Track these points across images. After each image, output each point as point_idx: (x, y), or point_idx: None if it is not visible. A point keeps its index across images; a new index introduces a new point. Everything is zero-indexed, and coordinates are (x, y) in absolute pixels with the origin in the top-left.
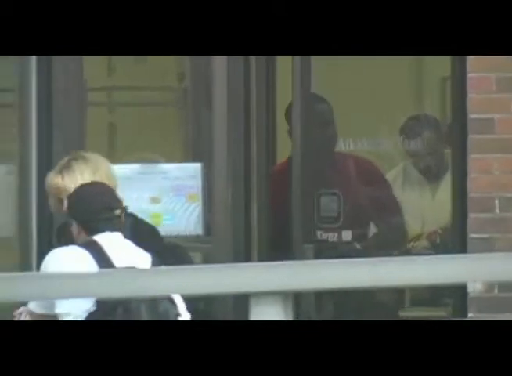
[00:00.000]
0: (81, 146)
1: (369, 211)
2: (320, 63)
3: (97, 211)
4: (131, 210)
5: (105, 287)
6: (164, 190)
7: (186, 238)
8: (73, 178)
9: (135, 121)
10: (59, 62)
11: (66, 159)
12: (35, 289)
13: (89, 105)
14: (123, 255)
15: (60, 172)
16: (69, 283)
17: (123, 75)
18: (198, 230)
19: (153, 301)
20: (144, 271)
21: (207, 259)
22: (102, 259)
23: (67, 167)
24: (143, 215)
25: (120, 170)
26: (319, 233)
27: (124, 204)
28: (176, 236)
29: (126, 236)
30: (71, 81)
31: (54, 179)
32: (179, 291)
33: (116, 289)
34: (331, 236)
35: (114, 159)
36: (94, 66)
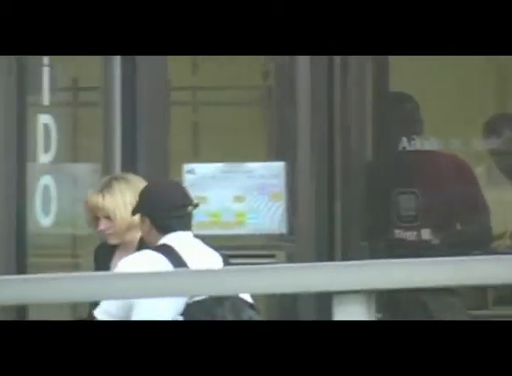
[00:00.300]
0: (165, 145)
1: (453, 209)
2: (402, 63)
3: (170, 208)
4: (215, 209)
5: (186, 287)
6: (248, 189)
7: (270, 237)
8: (113, 198)
9: (218, 120)
10: (144, 61)
11: (107, 179)
12: (113, 289)
13: (173, 104)
14: (196, 256)
15: (101, 191)
16: (147, 283)
17: (207, 74)
18: (282, 229)
19: (238, 309)
20: (228, 270)
21: (291, 258)
22: (178, 262)
23: (108, 186)
24: (228, 214)
25: (205, 169)
26: (397, 231)
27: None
28: (260, 235)
29: None
30: (155, 80)
31: (94, 198)
32: (263, 291)
33: (198, 288)
34: (410, 235)
35: (198, 158)
36: (178, 65)
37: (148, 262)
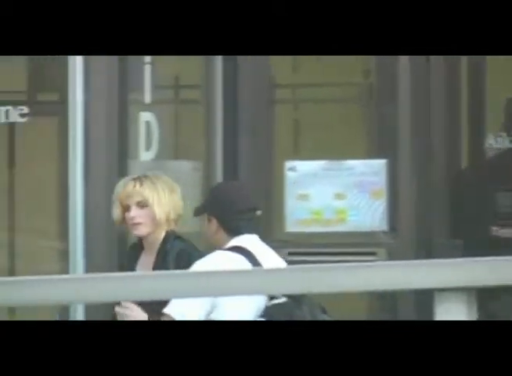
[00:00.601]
0: (266, 143)
1: None
2: (498, 62)
3: (241, 210)
4: (317, 206)
5: (277, 284)
6: (349, 187)
7: (371, 234)
8: (152, 186)
9: (319, 118)
10: (245, 59)
11: (144, 173)
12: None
13: (274, 102)
14: (267, 258)
15: (139, 179)
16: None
17: (308, 72)
18: (383, 226)
19: (315, 313)
20: (330, 267)
21: (392, 255)
22: (255, 263)
23: (147, 177)
24: (329, 211)
25: (306, 166)
26: (494, 228)
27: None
28: (360, 233)
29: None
30: (257, 78)
31: (131, 184)
32: (364, 288)
33: (296, 285)
34: (507, 232)
35: (299, 155)
36: (279, 63)
37: (227, 262)
